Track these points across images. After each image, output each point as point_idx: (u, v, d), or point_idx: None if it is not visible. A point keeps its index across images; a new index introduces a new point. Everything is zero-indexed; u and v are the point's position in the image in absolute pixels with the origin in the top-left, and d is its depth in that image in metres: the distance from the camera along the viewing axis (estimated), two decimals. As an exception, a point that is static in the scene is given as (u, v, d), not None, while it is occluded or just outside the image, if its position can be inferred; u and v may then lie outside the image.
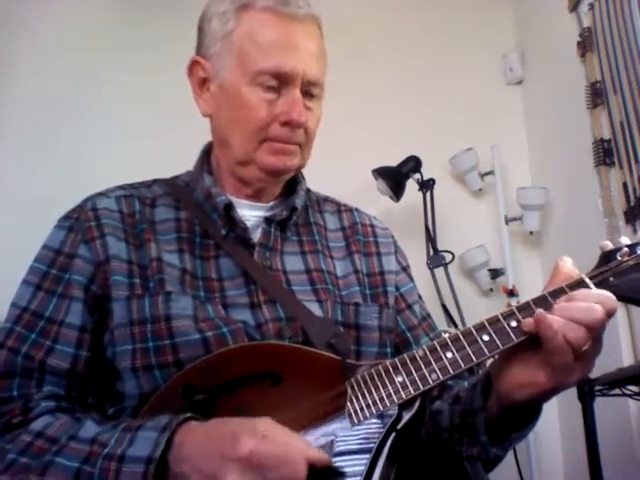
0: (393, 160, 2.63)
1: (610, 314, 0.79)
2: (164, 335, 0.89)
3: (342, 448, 0.80)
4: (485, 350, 0.81)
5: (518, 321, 0.82)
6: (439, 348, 0.83)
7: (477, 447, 0.90)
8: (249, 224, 1.02)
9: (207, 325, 0.90)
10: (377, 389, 0.82)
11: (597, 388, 1.74)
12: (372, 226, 1.14)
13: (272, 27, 0.96)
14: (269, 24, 0.96)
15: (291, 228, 1.05)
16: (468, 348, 0.82)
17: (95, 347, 0.92)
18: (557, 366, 0.79)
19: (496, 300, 2.68)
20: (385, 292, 1.06)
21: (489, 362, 0.90)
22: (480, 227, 2.81)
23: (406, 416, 0.81)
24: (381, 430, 0.80)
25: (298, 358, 0.87)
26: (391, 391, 0.81)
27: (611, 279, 0.83)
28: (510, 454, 1.02)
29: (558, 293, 0.83)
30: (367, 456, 0.79)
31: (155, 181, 1.10)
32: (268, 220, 1.03)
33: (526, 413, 0.88)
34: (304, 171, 1.10)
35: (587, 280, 0.83)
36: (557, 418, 2.51)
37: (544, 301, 0.82)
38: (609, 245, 0.88)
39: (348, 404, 0.82)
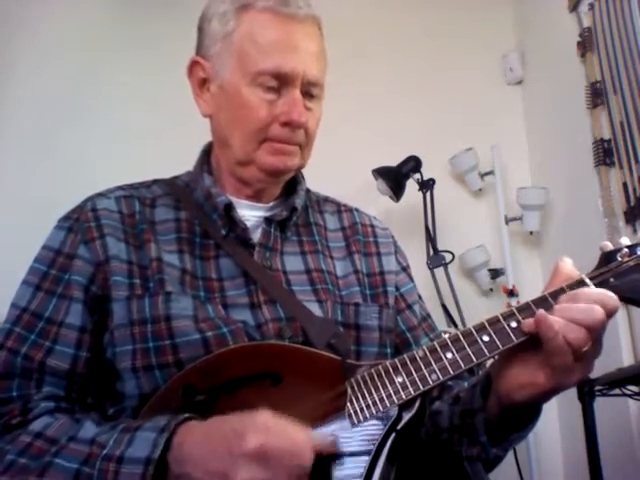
0: (393, 160, 2.63)
1: (612, 313, 0.79)
2: (164, 335, 0.89)
3: (342, 448, 0.80)
4: (485, 351, 0.81)
5: (518, 322, 0.82)
6: (439, 348, 0.83)
7: (477, 447, 0.90)
8: (249, 224, 1.02)
9: (207, 325, 0.90)
10: (377, 389, 0.82)
11: (597, 388, 1.74)
12: (372, 226, 1.14)
13: (272, 27, 0.96)
14: (269, 24, 0.96)
15: (291, 228, 1.05)
16: (468, 349, 0.82)
17: (95, 348, 0.92)
18: (557, 367, 0.79)
19: (496, 300, 2.68)
20: (385, 292, 1.06)
21: (489, 362, 0.90)
22: (480, 227, 2.82)
23: (406, 416, 0.81)
24: (381, 430, 0.80)
25: (298, 358, 0.87)
26: (391, 391, 0.81)
27: (611, 280, 0.83)
28: (510, 454, 1.02)
29: (558, 294, 0.83)
30: (367, 456, 0.79)
31: (155, 181, 1.09)
32: (268, 220, 1.03)
33: (526, 414, 0.88)
34: (304, 171, 1.10)
35: (587, 281, 0.83)
36: (557, 418, 2.51)
37: (544, 302, 0.82)
38: (609, 246, 0.88)
39: (348, 404, 0.82)
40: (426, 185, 2.64)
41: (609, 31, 2.21)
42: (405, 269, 1.13)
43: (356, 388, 0.83)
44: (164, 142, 2.62)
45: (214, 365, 0.86)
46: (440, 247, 2.56)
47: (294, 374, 0.84)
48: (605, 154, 2.23)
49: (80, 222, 0.98)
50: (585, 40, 2.37)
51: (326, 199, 1.17)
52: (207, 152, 1.10)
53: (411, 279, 1.13)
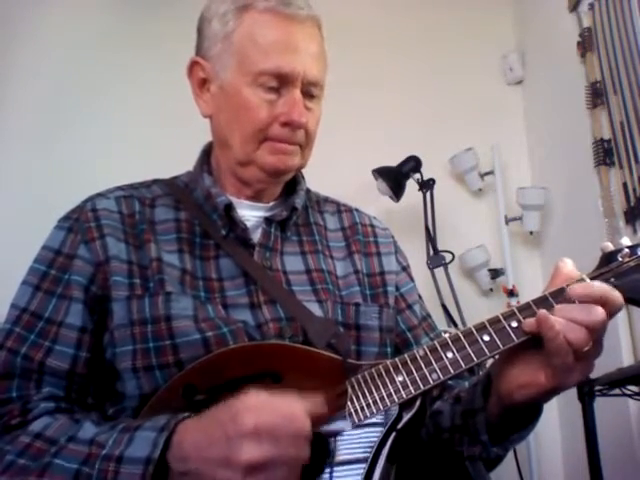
0: (393, 160, 2.63)
1: (616, 310, 0.79)
2: (164, 335, 0.89)
3: (343, 448, 0.80)
4: (486, 350, 0.81)
5: (519, 321, 0.82)
6: (440, 348, 0.83)
7: (478, 447, 0.90)
8: (249, 224, 1.02)
9: (207, 325, 0.90)
10: (377, 388, 0.82)
11: (597, 388, 1.73)
12: (372, 226, 1.14)
13: (273, 28, 0.96)
14: (270, 25, 0.97)
15: (291, 228, 1.05)
16: (469, 348, 0.82)
17: (95, 348, 0.92)
18: (558, 367, 0.80)
19: (496, 300, 2.68)
20: (385, 292, 1.06)
21: (489, 362, 0.90)
22: (480, 227, 2.82)
23: (406, 416, 0.81)
24: (381, 430, 0.80)
25: (298, 358, 0.87)
26: (391, 390, 0.81)
27: (612, 280, 0.83)
28: (510, 454, 1.02)
29: (559, 294, 0.83)
30: (367, 456, 0.79)
31: (154, 181, 1.09)
32: (268, 220, 1.03)
33: (526, 413, 0.88)
34: (304, 171, 1.10)
35: (588, 281, 0.83)
36: (557, 418, 2.51)
37: (545, 302, 0.82)
38: (610, 246, 0.88)
39: (348, 403, 0.82)
40: (426, 185, 2.64)
41: (609, 31, 2.21)
42: (405, 269, 1.13)
43: (356, 387, 0.83)
44: (164, 142, 2.62)
45: (214, 365, 0.86)
46: (440, 247, 2.56)
47: (294, 373, 0.84)
48: (605, 154, 2.22)
49: (80, 222, 0.98)
50: (585, 40, 2.37)
51: (326, 199, 1.17)
52: (207, 152, 1.10)
53: (411, 279, 1.13)
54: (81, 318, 0.92)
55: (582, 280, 0.84)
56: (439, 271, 2.53)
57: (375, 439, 0.80)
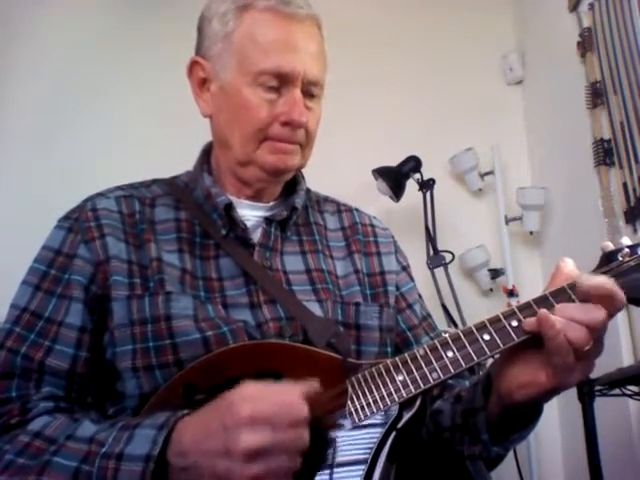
0: (393, 160, 2.63)
1: (619, 305, 0.80)
2: (164, 335, 0.89)
3: (343, 447, 0.80)
4: (486, 349, 0.81)
5: (519, 321, 0.82)
6: (440, 347, 0.83)
7: (478, 446, 0.90)
8: (249, 224, 1.02)
9: (207, 325, 0.90)
10: (378, 388, 0.82)
11: (597, 388, 1.73)
12: (372, 226, 1.14)
13: (273, 27, 0.96)
14: (270, 24, 0.97)
15: (291, 228, 1.05)
16: (469, 347, 0.82)
17: (95, 347, 0.92)
18: (558, 366, 0.80)
19: (496, 300, 2.68)
20: (385, 292, 1.06)
21: (490, 361, 0.90)
22: (480, 227, 2.82)
23: (406, 415, 0.81)
24: (381, 429, 0.80)
25: (298, 357, 0.87)
26: (392, 390, 0.81)
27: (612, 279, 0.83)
28: (510, 454, 1.02)
29: (559, 293, 0.83)
30: (367, 455, 0.79)
31: (154, 181, 1.09)
32: (268, 220, 1.03)
33: (527, 413, 0.88)
34: (304, 171, 1.10)
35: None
36: (557, 418, 2.51)
37: (545, 301, 0.82)
38: (610, 246, 0.88)
39: (349, 403, 0.82)
40: (426, 185, 2.64)
41: (609, 31, 2.21)
42: (405, 268, 1.13)
43: (357, 386, 0.83)
44: (164, 142, 2.62)
45: (214, 364, 0.86)
46: (440, 247, 2.56)
47: (294, 373, 0.84)
48: (605, 154, 2.22)
49: (80, 222, 0.98)
50: (585, 40, 2.37)
51: (326, 199, 1.17)
52: (207, 152, 1.10)
53: (411, 278, 1.13)
54: (81, 318, 0.92)
55: (582, 280, 0.84)
56: (439, 271, 2.53)
57: (375, 440, 0.80)
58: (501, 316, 0.83)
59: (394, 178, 2.62)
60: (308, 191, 1.13)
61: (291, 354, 0.87)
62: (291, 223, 1.05)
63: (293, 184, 1.09)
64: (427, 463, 0.96)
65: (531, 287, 2.56)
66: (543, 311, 0.80)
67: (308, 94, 0.98)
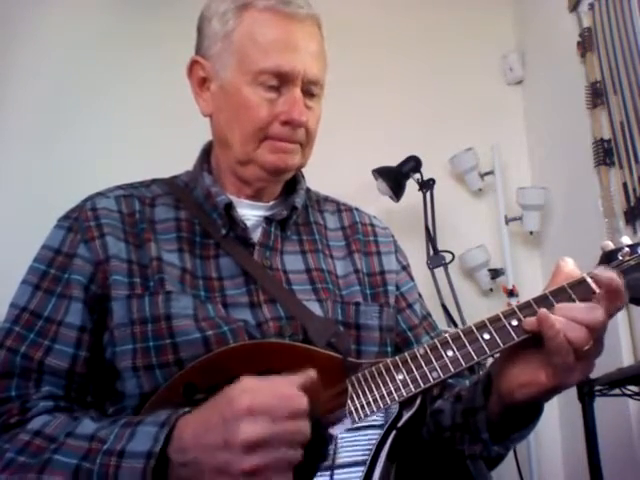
0: (393, 160, 2.63)
1: (622, 304, 0.80)
2: (164, 334, 0.89)
3: (343, 446, 0.80)
4: (486, 349, 0.81)
5: (519, 320, 0.82)
6: (440, 346, 0.83)
7: (479, 445, 0.90)
8: (249, 224, 1.02)
9: (207, 324, 0.90)
10: (378, 387, 0.82)
11: (597, 388, 1.73)
12: (372, 225, 1.14)
13: (272, 27, 0.96)
14: (269, 24, 0.97)
15: (291, 227, 1.05)
16: (469, 346, 0.82)
17: (94, 347, 0.92)
18: (558, 366, 0.80)
19: (496, 300, 2.68)
20: (385, 291, 1.06)
21: (490, 361, 0.90)
22: (480, 227, 2.82)
23: (406, 414, 0.81)
24: (381, 428, 0.80)
25: (298, 356, 0.87)
26: (392, 389, 0.81)
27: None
28: (510, 454, 1.02)
29: (559, 292, 0.83)
30: (367, 455, 0.79)
31: (154, 181, 1.09)
32: (268, 219, 1.03)
33: (527, 412, 0.88)
34: (304, 171, 1.10)
35: (589, 280, 0.83)
36: (557, 418, 2.51)
37: (545, 300, 0.83)
38: (610, 245, 0.88)
39: (349, 402, 0.82)
40: (426, 185, 2.64)
41: (609, 31, 2.21)
42: (405, 268, 1.13)
43: (357, 385, 0.83)
44: (164, 142, 2.62)
45: (214, 364, 0.86)
46: (440, 247, 2.56)
47: (294, 372, 0.84)
48: (605, 154, 2.22)
49: (80, 221, 0.98)
50: (585, 40, 2.37)
51: (326, 198, 1.17)
52: (207, 151, 1.10)
53: (411, 278, 1.13)
54: (81, 317, 0.92)
55: (583, 280, 0.84)
56: (439, 271, 2.53)
57: (375, 440, 0.80)
58: (501, 315, 0.83)
59: (394, 178, 2.62)
60: (308, 191, 1.13)
61: (291, 353, 0.87)
62: (291, 222, 1.05)
63: (293, 183, 1.09)
64: (428, 462, 0.96)
65: (531, 287, 2.55)
66: (543, 311, 0.80)
67: (308, 93, 0.98)
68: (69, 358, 0.90)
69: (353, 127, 2.78)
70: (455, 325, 2.38)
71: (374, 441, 0.80)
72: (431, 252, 2.56)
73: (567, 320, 0.78)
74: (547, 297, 0.83)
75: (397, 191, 2.63)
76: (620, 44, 2.14)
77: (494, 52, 2.99)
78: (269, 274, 0.98)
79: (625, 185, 2.10)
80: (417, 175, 2.65)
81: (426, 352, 0.83)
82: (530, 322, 0.81)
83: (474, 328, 0.83)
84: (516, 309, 0.83)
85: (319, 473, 0.78)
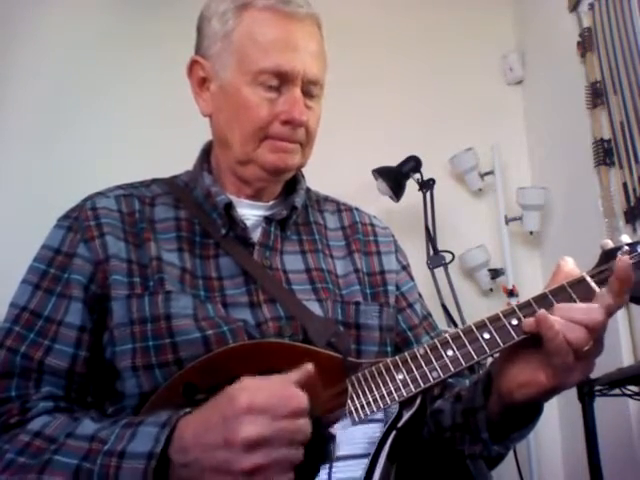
0: (393, 160, 2.63)
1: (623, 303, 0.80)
2: (164, 334, 0.89)
3: (343, 446, 0.80)
4: (486, 348, 0.81)
5: (519, 319, 0.82)
6: (440, 346, 0.83)
7: (479, 445, 0.90)
8: (249, 223, 1.02)
9: (207, 324, 0.90)
10: (378, 387, 0.82)
11: (597, 388, 1.73)
12: (372, 225, 1.14)
13: (272, 26, 0.96)
14: (269, 23, 0.96)
15: (291, 227, 1.05)
16: (469, 346, 0.82)
17: (94, 347, 0.92)
18: (558, 366, 0.80)
19: (496, 300, 2.68)
20: (385, 291, 1.06)
21: (489, 360, 0.90)
22: (480, 227, 2.81)
23: (407, 414, 0.81)
24: (382, 428, 0.80)
25: (298, 356, 0.86)
26: (392, 389, 0.81)
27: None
28: (510, 454, 1.02)
29: (559, 291, 0.83)
30: (367, 454, 0.79)
31: (154, 180, 1.09)
32: (268, 219, 1.03)
33: (527, 412, 0.88)
34: (304, 171, 1.10)
35: (588, 279, 0.84)
36: (557, 418, 2.51)
37: (545, 299, 0.83)
38: (610, 244, 0.88)
39: (349, 402, 0.82)
40: (426, 185, 2.64)
41: (609, 31, 2.21)
42: (405, 268, 1.13)
43: (357, 385, 0.83)
44: (164, 142, 2.62)
45: (214, 364, 0.86)
46: (440, 247, 2.56)
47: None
48: (605, 154, 2.22)
49: (80, 221, 0.98)
50: (585, 40, 2.36)
51: (326, 198, 1.17)
52: (207, 151, 1.10)
53: (411, 278, 1.13)
54: (80, 317, 0.92)
55: (583, 279, 0.84)
56: (439, 271, 2.53)
57: (374, 435, 0.80)
58: (501, 315, 0.83)
59: (394, 178, 2.62)
60: (308, 190, 1.13)
61: (291, 353, 0.87)
62: (291, 222, 1.05)
63: (293, 183, 1.09)
64: (428, 462, 0.96)
65: (531, 287, 2.55)
66: (542, 312, 0.80)
67: (308, 93, 0.98)
68: (69, 358, 0.90)
69: (353, 127, 2.77)
70: (455, 325, 2.38)
71: (374, 435, 0.80)
72: (431, 252, 2.56)
73: (566, 321, 0.78)
74: (547, 296, 0.83)
75: (397, 191, 2.63)
76: (620, 44, 2.14)
77: (494, 52, 2.99)
78: (269, 274, 0.98)
79: (625, 185, 2.09)
80: (417, 175, 2.65)
81: (426, 352, 0.83)
82: (529, 323, 0.81)
83: (474, 327, 0.83)
84: (516, 308, 0.83)
85: (319, 471, 0.78)
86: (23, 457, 0.80)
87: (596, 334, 0.79)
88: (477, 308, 2.57)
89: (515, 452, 2.20)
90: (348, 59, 2.60)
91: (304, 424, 0.71)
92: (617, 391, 1.76)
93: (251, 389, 0.71)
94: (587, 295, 0.82)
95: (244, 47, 0.96)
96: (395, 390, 0.81)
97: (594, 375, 1.64)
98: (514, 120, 2.95)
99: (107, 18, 2.88)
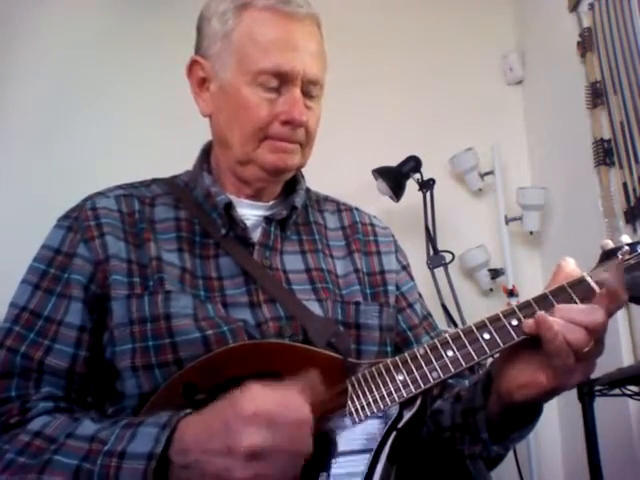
0: (393, 160, 2.63)
1: (622, 302, 0.80)
2: (164, 334, 0.89)
3: (343, 447, 0.80)
4: (486, 348, 0.81)
5: (519, 320, 0.82)
6: (440, 346, 0.83)
7: (478, 445, 0.90)
8: (249, 223, 1.02)
9: (207, 324, 0.90)
10: (378, 387, 0.82)
11: (597, 388, 1.73)
12: (372, 225, 1.14)
13: (272, 26, 0.96)
14: (269, 23, 0.96)
15: (291, 227, 1.05)
16: (469, 346, 0.82)
17: (94, 347, 0.92)
18: (558, 367, 0.79)
19: (496, 300, 2.68)
20: (385, 291, 1.06)
21: (489, 361, 0.90)
22: (480, 227, 2.81)
23: (407, 415, 0.81)
24: (382, 429, 0.80)
25: (298, 356, 0.87)
26: (392, 389, 0.81)
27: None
28: (510, 454, 1.02)
29: (559, 291, 0.83)
30: (368, 455, 0.78)
31: (154, 180, 1.09)
32: (268, 219, 1.03)
33: (527, 412, 0.88)
34: (304, 171, 1.10)
35: (588, 279, 0.83)
36: (557, 418, 2.51)
37: (545, 299, 0.82)
38: (610, 244, 0.88)
39: (349, 402, 0.82)
40: (426, 185, 2.64)
41: (609, 31, 2.20)
42: (405, 268, 1.13)
43: (357, 386, 0.83)
44: (164, 142, 2.62)
45: (214, 364, 0.86)
46: (440, 247, 2.56)
47: (294, 373, 0.84)
48: (605, 154, 2.22)
49: (80, 221, 0.98)
50: (585, 40, 2.36)
51: (326, 198, 1.17)
52: (207, 151, 1.10)
53: (411, 278, 1.13)
54: (80, 317, 0.92)
55: (583, 279, 0.84)
56: (439, 271, 2.53)
57: (374, 431, 0.80)
58: (501, 315, 0.83)
59: (394, 178, 2.62)
60: (308, 190, 1.13)
61: (291, 354, 0.87)
62: (291, 222, 1.05)
63: (293, 183, 1.08)
64: (427, 463, 0.95)
65: (531, 287, 2.55)
66: (541, 313, 0.80)
67: (308, 93, 0.98)
68: (69, 358, 0.90)
69: (353, 127, 2.77)
70: (455, 325, 2.38)
71: (373, 431, 0.80)
72: (431, 252, 2.55)
73: (566, 322, 0.78)
74: (547, 296, 0.83)
75: (397, 191, 2.63)
76: (620, 44, 2.14)
77: (494, 52, 2.99)
78: (269, 274, 0.98)
79: (625, 185, 2.09)
80: (417, 175, 2.65)
81: (426, 352, 0.83)
82: (529, 324, 0.80)
83: (474, 328, 0.83)
84: (516, 309, 0.83)
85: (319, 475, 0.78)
86: (23, 457, 0.80)
87: (596, 335, 0.79)
88: (477, 308, 2.57)
89: (515, 452, 2.20)
90: (348, 59, 2.59)
91: (307, 436, 0.71)
92: (617, 391, 1.76)
93: (256, 397, 0.71)
94: (587, 295, 0.82)
95: (244, 47, 0.96)
96: (395, 391, 0.81)
97: (594, 375, 1.63)
98: (514, 120, 2.94)
99: (107, 18, 2.88)
